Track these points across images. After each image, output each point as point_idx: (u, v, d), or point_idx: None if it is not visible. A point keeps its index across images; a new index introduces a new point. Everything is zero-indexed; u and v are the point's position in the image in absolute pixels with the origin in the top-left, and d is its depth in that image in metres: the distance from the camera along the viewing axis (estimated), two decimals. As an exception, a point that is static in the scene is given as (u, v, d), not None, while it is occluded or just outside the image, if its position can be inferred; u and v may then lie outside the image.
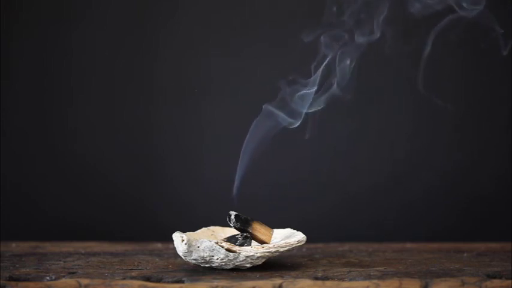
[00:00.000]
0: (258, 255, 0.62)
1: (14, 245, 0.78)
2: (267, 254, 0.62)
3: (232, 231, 0.68)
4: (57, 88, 0.93)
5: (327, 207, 0.93)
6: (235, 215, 0.64)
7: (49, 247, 0.77)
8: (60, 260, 0.68)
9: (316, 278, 0.59)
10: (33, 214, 0.93)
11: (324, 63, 0.71)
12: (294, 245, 0.64)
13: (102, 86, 0.94)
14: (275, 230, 0.67)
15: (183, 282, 0.58)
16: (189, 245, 0.62)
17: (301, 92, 0.70)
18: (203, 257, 0.62)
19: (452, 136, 0.93)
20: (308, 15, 0.89)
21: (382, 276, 0.59)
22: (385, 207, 0.93)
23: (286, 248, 0.63)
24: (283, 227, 0.68)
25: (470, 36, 0.82)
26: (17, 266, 0.65)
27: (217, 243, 0.62)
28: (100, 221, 0.93)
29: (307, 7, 0.91)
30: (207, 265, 0.63)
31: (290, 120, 0.70)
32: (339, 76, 0.71)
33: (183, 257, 0.63)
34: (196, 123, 0.94)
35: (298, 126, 0.71)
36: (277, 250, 0.63)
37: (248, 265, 0.62)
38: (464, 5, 0.71)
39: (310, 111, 0.70)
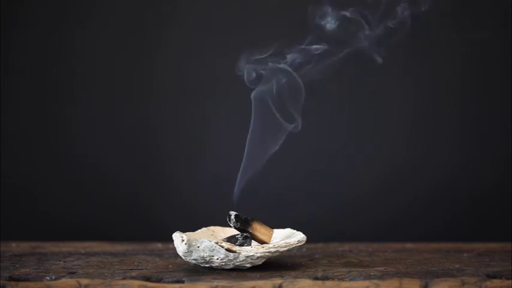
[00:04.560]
0: (258, 255, 0.62)
1: (14, 245, 0.78)
2: (267, 254, 0.62)
3: (232, 231, 0.68)
4: (57, 88, 0.93)
5: (327, 207, 0.93)
6: (235, 215, 0.64)
7: (49, 247, 0.77)
8: (60, 260, 0.68)
9: (316, 278, 0.59)
10: (33, 214, 0.93)
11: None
12: (294, 245, 0.64)
13: (102, 86, 0.94)
14: (275, 230, 0.67)
15: (183, 282, 0.58)
16: (189, 245, 0.62)
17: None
18: (203, 257, 0.62)
19: (452, 136, 0.93)
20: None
21: (382, 276, 0.59)
22: (385, 207, 0.93)
23: (286, 248, 0.63)
24: (283, 227, 0.68)
25: (469, 36, 0.82)
26: (17, 266, 0.65)
27: (217, 243, 0.62)
28: (100, 221, 0.93)
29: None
30: (207, 265, 0.62)
31: (289, 124, 0.70)
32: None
33: (183, 257, 0.63)
34: (196, 123, 0.94)
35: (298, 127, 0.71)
36: (277, 250, 0.63)
37: (248, 265, 0.62)
38: None
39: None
